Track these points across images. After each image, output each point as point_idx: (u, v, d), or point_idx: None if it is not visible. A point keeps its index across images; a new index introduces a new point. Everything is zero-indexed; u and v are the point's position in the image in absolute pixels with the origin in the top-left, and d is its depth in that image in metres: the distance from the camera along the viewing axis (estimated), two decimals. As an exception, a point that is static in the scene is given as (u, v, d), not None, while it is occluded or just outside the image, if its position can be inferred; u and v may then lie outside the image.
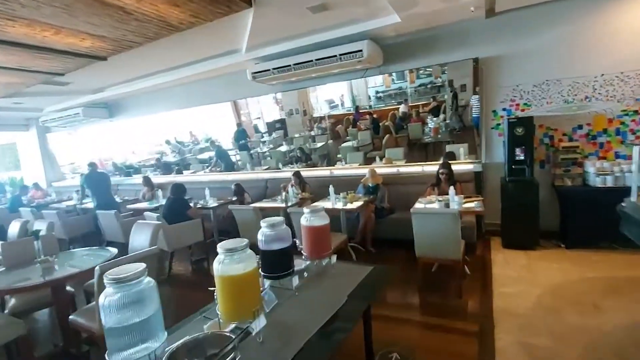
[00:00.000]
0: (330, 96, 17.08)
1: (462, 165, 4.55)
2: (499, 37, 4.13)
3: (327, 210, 1.95)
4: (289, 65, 4.64)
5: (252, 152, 10.45)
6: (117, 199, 6.56)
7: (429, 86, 12.90)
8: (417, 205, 3.68)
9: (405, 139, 9.24)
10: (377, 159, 6.07)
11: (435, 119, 8.39)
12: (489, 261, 3.69)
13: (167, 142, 12.03)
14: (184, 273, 4.40)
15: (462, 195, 3.49)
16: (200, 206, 4.93)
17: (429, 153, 7.77)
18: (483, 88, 4.32)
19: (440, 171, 4.06)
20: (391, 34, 4.38)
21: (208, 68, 5.46)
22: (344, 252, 3.92)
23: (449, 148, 5.71)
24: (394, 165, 5.10)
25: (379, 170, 4.83)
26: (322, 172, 5.67)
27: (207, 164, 9.70)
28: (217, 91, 6.47)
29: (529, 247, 3.87)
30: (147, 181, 7.02)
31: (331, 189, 4.17)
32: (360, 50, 4.15)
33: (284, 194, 4.58)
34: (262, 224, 1.58)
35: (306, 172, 5.71)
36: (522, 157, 3.87)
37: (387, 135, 8.49)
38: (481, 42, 4.22)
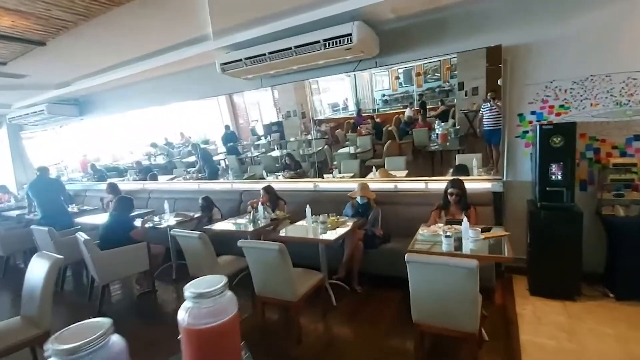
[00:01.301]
0: (335, 99, 16.23)
1: (477, 183, 3.60)
2: (528, 20, 3.19)
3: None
4: (264, 55, 3.75)
5: (241, 156, 9.61)
6: (74, 209, 5.72)
7: (437, 90, 11.91)
8: (419, 236, 2.74)
9: (410, 146, 8.28)
10: (374, 169, 5.15)
11: (443, 124, 7.46)
12: (514, 317, 2.73)
13: (154, 145, 11.21)
14: (122, 313, 3.50)
15: (479, 229, 2.54)
16: (151, 225, 4.03)
17: (435, 162, 6.82)
18: (507, 85, 3.38)
19: (450, 190, 3.13)
20: (389, 15, 3.46)
21: (175, 59, 4.60)
22: (320, 293, 3.01)
23: (459, 159, 4.77)
24: (391, 180, 4.16)
25: (373, 186, 3.91)
26: (309, 184, 4.74)
27: (192, 169, 8.85)
28: (188, 87, 5.63)
29: (567, 297, 2.90)
30: (112, 188, 6.15)
31: (308, 210, 3.25)
32: (349, 35, 3.24)
33: (251, 213, 3.68)
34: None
35: (289, 185, 4.81)
36: (560, 177, 2.91)
37: (389, 141, 7.56)
38: (504, 26, 3.28)
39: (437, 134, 6.89)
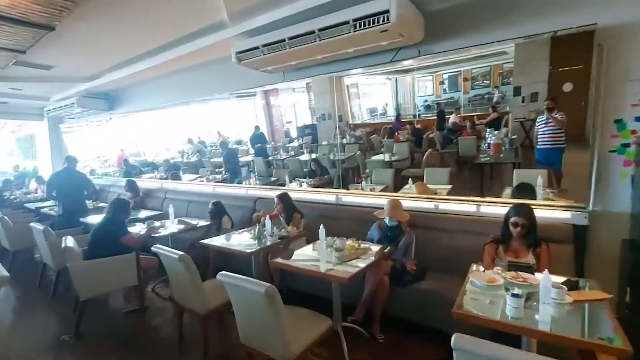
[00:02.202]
0: (374, 104, 15.38)
1: (548, 211, 2.71)
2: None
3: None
4: (283, 41, 3.15)
5: (270, 158, 9.15)
6: (90, 206, 5.49)
7: (486, 96, 10.74)
8: (469, 285, 1.96)
9: (453, 156, 7.33)
10: (410, 181, 4.36)
11: (497, 132, 6.44)
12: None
13: (190, 142, 11.13)
14: (102, 332, 3.03)
15: (564, 286, 1.71)
16: (144, 232, 3.52)
17: (485, 177, 5.87)
18: (600, 81, 2.48)
19: (514, 219, 2.30)
20: (440, -10, 2.72)
21: (191, 49, 4.17)
22: (330, 339, 2.32)
23: (519, 176, 3.87)
24: (430, 198, 3.34)
25: (408, 204, 3.15)
26: (331, 196, 4.04)
27: (221, 169, 8.52)
28: (208, 82, 5.17)
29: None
30: (130, 185, 5.92)
31: (322, 232, 2.57)
32: (386, 12, 2.53)
33: (257, 228, 3.08)
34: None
35: (308, 195, 4.16)
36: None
37: (430, 150, 6.68)
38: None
39: (488, 144, 5.92)
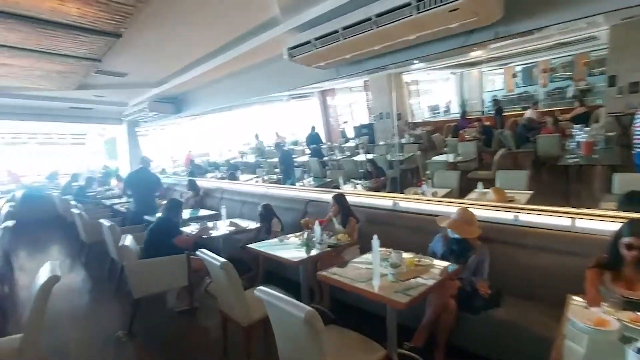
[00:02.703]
0: (435, 101, 14.38)
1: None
2: None
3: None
4: (336, 32, 2.91)
5: (325, 159, 8.99)
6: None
7: (568, 89, 9.53)
8: (569, 326, 1.50)
9: (530, 157, 6.46)
10: (480, 185, 3.84)
11: (587, 129, 5.49)
12: None
13: (256, 137, 11.46)
14: (153, 330, 3.09)
15: None
16: (195, 233, 3.53)
17: (571, 182, 5.02)
18: None
19: (628, 240, 1.76)
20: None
21: (246, 49, 4.15)
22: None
23: (622, 182, 3.17)
24: (510, 208, 2.82)
25: (482, 214, 2.69)
26: (387, 201, 3.69)
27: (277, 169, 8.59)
28: (262, 82, 5.12)
29: None
30: (191, 185, 6.18)
31: (375, 244, 2.26)
32: (457, -13, 2.15)
33: (305, 233, 2.87)
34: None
35: (362, 199, 3.86)
36: None
37: (502, 150, 5.93)
38: None
39: (577, 142, 5.06)
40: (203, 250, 2.37)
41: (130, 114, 8.48)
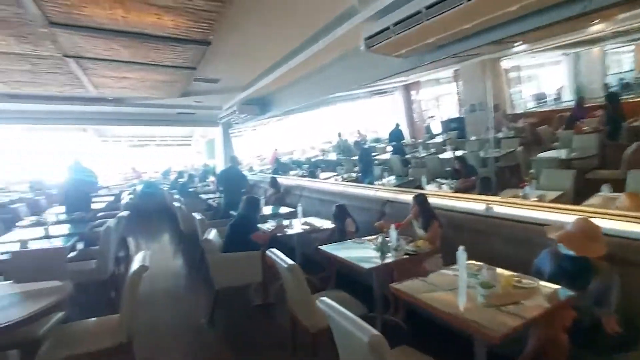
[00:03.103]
0: (541, 89, 12.46)
1: None
2: None
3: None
4: (418, 13, 2.59)
5: (407, 156, 8.49)
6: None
7: None
8: None
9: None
10: (605, 188, 3.08)
11: None
12: None
13: (338, 135, 11.56)
14: (231, 322, 3.24)
15: None
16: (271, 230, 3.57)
17: None
18: None
19: None
20: None
21: (325, 43, 4.07)
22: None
23: None
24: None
25: (605, 225, 2.09)
26: (478, 205, 3.19)
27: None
28: (341, 77, 4.98)
29: None
30: (273, 182, 6.42)
31: (461, 256, 1.89)
32: None
33: (380, 237, 2.64)
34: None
35: (447, 201, 3.42)
36: None
37: (636, 144, 4.75)
38: None
39: None
40: (273, 250, 2.34)
41: (224, 117, 9.28)
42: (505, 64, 11.20)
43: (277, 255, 2.27)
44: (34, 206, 6.59)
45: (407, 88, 13.70)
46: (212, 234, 3.22)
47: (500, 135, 8.07)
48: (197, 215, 4.27)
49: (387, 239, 2.62)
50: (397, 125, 9.35)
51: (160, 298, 3.73)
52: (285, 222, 3.77)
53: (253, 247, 3.22)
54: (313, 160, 10.23)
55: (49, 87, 6.21)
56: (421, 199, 2.98)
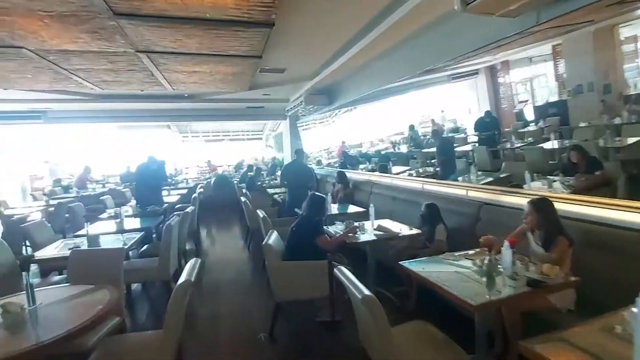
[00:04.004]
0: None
1: None
2: None
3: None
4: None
5: (496, 148, 7.27)
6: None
7: None
8: None
9: None
10: None
11: None
12: None
13: (411, 128, 10.66)
14: (290, 338, 2.83)
15: None
16: (339, 236, 3.04)
17: None
18: None
19: None
20: None
21: (405, 11, 3.39)
22: None
23: None
24: None
25: None
26: (618, 214, 2.24)
27: (433, 160, 7.52)
28: (422, 53, 4.21)
29: None
30: (340, 177, 5.93)
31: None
32: None
33: (486, 258, 1.93)
34: None
35: (567, 206, 2.52)
36: None
37: None
38: None
39: None
40: (341, 269, 1.82)
41: (291, 109, 9.08)
42: (626, 31, 9.06)
43: (346, 276, 1.75)
44: (121, 198, 7.11)
45: (493, 69, 12.01)
46: (273, 238, 2.85)
47: (617, 121, 6.47)
48: (261, 213, 3.98)
49: (497, 260, 1.91)
50: (489, 113, 8.10)
51: (220, 303, 3.49)
52: (356, 224, 3.24)
53: (318, 255, 2.77)
54: (383, 153, 9.48)
55: (131, 86, 6.55)
56: (544, 206, 2.18)
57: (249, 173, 10.25)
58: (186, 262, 4.56)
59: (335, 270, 1.85)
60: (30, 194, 8.40)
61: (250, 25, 3.75)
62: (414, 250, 3.16)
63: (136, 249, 3.87)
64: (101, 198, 6.18)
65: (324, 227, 3.13)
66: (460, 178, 5.39)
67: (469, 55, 4.47)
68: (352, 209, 4.65)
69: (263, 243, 2.70)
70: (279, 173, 10.40)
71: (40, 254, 2.85)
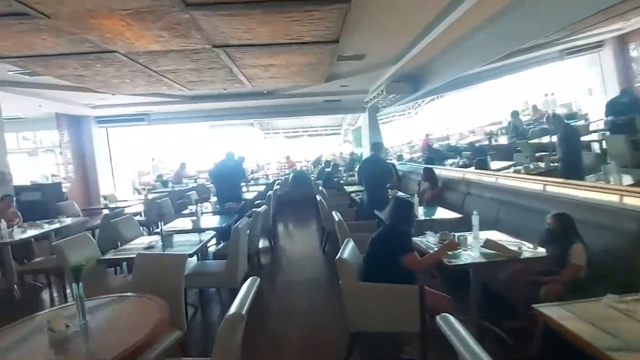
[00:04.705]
0: None
1: None
2: None
3: None
4: None
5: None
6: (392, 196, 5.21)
7: None
8: None
9: None
10: None
11: None
12: None
13: (514, 115, 9.13)
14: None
15: None
16: (433, 254, 2.36)
17: None
18: None
19: None
20: None
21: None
22: None
23: None
24: None
25: None
26: None
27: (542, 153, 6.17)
28: (534, 18, 3.21)
29: None
30: (427, 174, 5.15)
31: None
32: None
33: None
34: None
35: None
36: None
37: None
38: None
39: None
40: (447, 317, 1.22)
41: (370, 100, 8.46)
42: None
43: (450, 325, 1.16)
44: (207, 193, 7.43)
45: (623, 40, 9.54)
46: (349, 250, 2.35)
47: None
48: (336, 216, 3.54)
49: None
50: (626, 90, 6.34)
51: (286, 326, 3.02)
52: (452, 236, 2.55)
53: (406, 275, 2.19)
54: (477, 145, 8.23)
55: (215, 85, 6.73)
56: None
57: (326, 169, 9.97)
58: (259, 262, 4.42)
59: (438, 319, 1.25)
60: (134, 188, 9.45)
61: (324, 3, 3.31)
62: (535, 275, 2.35)
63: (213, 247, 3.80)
64: (187, 194, 6.48)
65: (413, 238, 2.51)
66: (592, 176, 4.17)
67: (592, 23, 3.28)
68: (443, 213, 3.88)
69: (336, 258, 2.22)
70: (357, 169, 9.92)
71: (114, 254, 2.85)
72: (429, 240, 2.60)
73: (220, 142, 14.30)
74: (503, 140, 9.56)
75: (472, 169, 5.26)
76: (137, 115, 9.66)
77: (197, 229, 3.60)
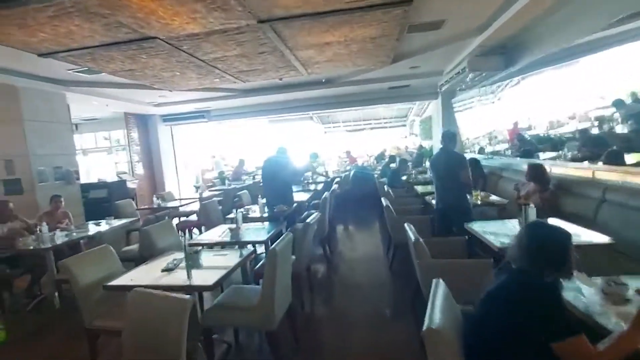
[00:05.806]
0: None
1: None
2: None
3: None
4: None
5: None
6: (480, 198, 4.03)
7: None
8: None
9: None
10: None
11: None
12: None
13: (634, 96, 7.07)
14: None
15: None
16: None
17: None
18: None
19: None
20: None
21: None
22: None
23: None
24: None
25: None
26: None
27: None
28: None
29: None
30: (535, 172, 3.85)
31: None
32: None
33: None
34: None
35: None
36: None
37: None
38: None
39: None
40: None
41: (445, 83, 7.17)
42: None
43: None
44: (260, 192, 6.92)
45: None
46: (441, 305, 1.41)
47: None
48: (410, 230, 2.59)
49: None
50: None
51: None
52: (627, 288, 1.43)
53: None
54: (594, 135, 6.42)
55: (268, 74, 6.15)
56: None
57: (390, 165, 8.89)
58: (310, 280, 3.61)
59: None
60: (194, 186, 9.43)
61: None
62: None
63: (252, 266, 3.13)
64: (238, 193, 6.00)
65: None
66: None
67: None
68: (568, 229, 2.65)
69: (424, 328, 1.28)
70: (427, 164, 8.64)
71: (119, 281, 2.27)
72: (583, 291, 1.51)
73: (280, 137, 13.99)
74: (619, 128, 7.45)
75: (600, 164, 3.80)
76: (197, 112, 9.67)
77: (229, 241, 2.94)
